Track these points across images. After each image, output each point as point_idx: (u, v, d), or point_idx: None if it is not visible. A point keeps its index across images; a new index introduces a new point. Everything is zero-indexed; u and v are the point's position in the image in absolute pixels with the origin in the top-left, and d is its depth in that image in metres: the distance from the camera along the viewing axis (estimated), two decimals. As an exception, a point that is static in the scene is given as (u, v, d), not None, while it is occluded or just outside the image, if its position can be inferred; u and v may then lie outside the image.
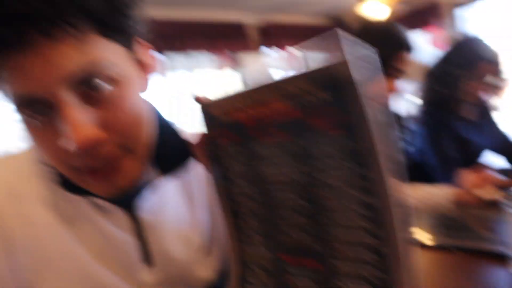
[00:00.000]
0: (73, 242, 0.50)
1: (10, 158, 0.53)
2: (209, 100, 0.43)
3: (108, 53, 0.40)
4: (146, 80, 0.49)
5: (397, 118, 1.39)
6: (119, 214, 0.52)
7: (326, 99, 0.32)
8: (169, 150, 0.54)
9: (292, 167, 0.37)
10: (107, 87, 0.41)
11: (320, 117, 0.33)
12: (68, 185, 0.47)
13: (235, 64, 4.72)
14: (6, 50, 0.36)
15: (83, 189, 0.46)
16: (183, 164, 0.55)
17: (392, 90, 1.10)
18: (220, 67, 4.62)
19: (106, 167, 0.43)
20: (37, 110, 0.39)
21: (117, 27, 0.41)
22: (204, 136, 0.45)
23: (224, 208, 0.46)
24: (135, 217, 0.53)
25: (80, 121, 0.38)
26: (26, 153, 0.53)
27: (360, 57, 0.31)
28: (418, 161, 1.42)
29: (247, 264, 0.46)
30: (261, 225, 0.43)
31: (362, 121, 0.31)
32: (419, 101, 1.48)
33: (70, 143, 0.38)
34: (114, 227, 0.52)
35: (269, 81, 0.36)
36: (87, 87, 0.39)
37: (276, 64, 5.31)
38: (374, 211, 0.33)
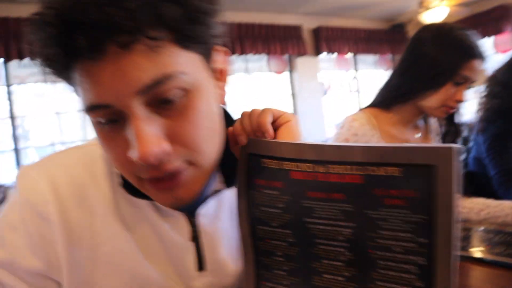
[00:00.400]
0: (130, 243, 0.52)
1: (86, 151, 0.55)
2: (255, 140, 0.48)
3: (183, 64, 0.40)
4: (222, 89, 0.50)
5: (460, 127, 1.24)
6: (179, 218, 0.54)
7: (396, 175, 0.38)
8: (233, 158, 0.52)
9: (341, 222, 0.42)
10: (179, 98, 0.40)
11: (384, 187, 0.38)
12: (132, 188, 0.48)
13: (291, 68, 4.95)
14: (82, 58, 0.36)
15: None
16: None
17: (459, 99, 1.06)
18: (277, 70, 5.04)
19: (169, 179, 0.43)
20: (107, 117, 0.40)
21: (195, 36, 0.40)
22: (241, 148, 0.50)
23: (246, 243, 0.49)
24: (193, 223, 0.55)
25: (148, 135, 0.39)
26: (99, 148, 0.54)
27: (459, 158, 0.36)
28: (471, 170, 1.44)
29: None
30: (290, 265, 0.46)
31: (443, 206, 0.36)
32: (479, 108, 1.44)
33: (135, 155, 0.39)
34: (172, 231, 0.54)
35: (338, 144, 0.44)
36: (159, 99, 0.39)
37: (329, 66, 5.28)
38: (427, 273, 0.37)
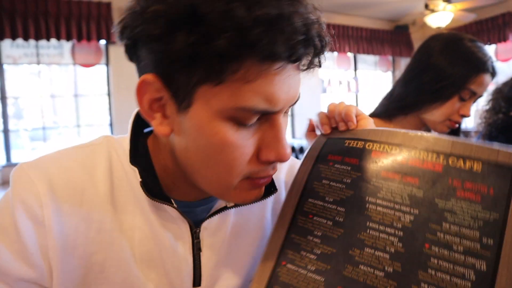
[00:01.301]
0: (125, 252, 0.51)
1: (87, 151, 0.54)
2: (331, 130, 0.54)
3: None
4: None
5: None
6: (182, 229, 0.53)
7: (475, 169, 0.38)
8: None
9: (405, 207, 0.40)
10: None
11: (460, 179, 0.38)
12: (150, 191, 0.49)
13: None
14: (280, 64, 0.40)
15: (163, 195, 0.50)
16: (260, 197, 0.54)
17: (465, 114, 1.01)
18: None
19: (267, 178, 0.49)
20: (255, 119, 0.43)
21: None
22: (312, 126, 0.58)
23: (283, 218, 0.48)
24: (197, 235, 0.54)
25: (285, 139, 0.46)
26: (101, 148, 0.54)
27: None
28: None
29: (272, 284, 0.44)
30: (325, 248, 0.43)
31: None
32: (480, 122, 1.38)
33: (275, 154, 0.45)
34: (174, 240, 0.53)
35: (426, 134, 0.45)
36: (286, 110, 0.46)
37: (329, 64, 5.27)
38: (485, 282, 0.34)
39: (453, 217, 0.38)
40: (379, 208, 0.42)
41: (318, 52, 0.44)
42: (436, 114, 1.04)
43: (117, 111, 3.96)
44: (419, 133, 0.46)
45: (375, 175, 0.44)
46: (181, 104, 0.44)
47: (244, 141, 0.44)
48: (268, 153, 0.45)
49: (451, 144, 0.42)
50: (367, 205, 0.43)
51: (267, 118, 0.45)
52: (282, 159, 0.45)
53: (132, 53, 0.48)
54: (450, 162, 0.41)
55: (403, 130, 0.47)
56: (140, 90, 0.46)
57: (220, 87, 0.41)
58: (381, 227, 0.41)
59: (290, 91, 0.44)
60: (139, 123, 0.57)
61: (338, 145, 0.51)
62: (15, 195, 0.48)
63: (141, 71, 0.47)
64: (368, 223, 0.42)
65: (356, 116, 0.56)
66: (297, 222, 0.47)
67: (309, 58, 0.43)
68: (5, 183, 3.41)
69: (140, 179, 0.50)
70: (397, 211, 0.41)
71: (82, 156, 0.53)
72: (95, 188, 0.51)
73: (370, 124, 0.55)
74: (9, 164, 3.59)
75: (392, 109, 1.11)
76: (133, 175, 0.52)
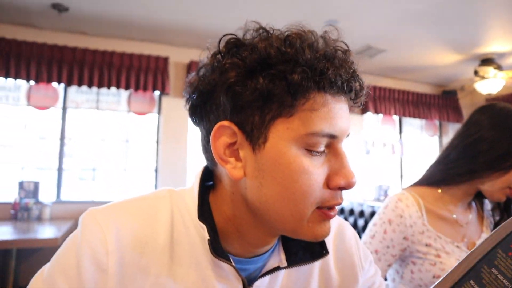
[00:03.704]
0: None
1: (151, 204, 0.56)
2: None
3: None
4: None
5: None
6: (238, 285, 0.55)
7: None
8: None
9: None
10: None
11: None
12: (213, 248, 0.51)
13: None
14: (338, 95, 0.50)
15: (223, 253, 0.52)
16: (311, 259, 0.58)
17: None
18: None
19: (334, 210, 0.52)
20: (322, 147, 0.50)
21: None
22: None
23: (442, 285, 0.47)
24: None
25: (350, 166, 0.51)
26: (164, 201, 0.57)
27: None
28: None
29: None
30: None
31: None
32: None
33: (345, 180, 0.50)
34: None
35: None
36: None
37: (373, 126, 5.43)
38: None
39: None
40: None
41: (360, 89, 0.53)
42: (493, 183, 1.01)
43: (163, 158, 4.12)
44: None
45: None
46: (257, 142, 0.49)
47: (316, 169, 0.49)
48: (337, 180, 0.50)
49: None
50: None
51: (331, 148, 0.51)
52: (350, 184, 0.50)
53: (205, 102, 0.53)
54: None
55: None
56: (216, 135, 0.51)
57: (292, 118, 0.49)
58: None
59: (345, 121, 0.51)
60: (203, 179, 0.59)
61: None
62: (83, 237, 0.50)
63: (213, 121, 0.52)
64: None
65: None
66: None
67: (355, 94, 0.52)
68: (54, 218, 3.56)
69: (208, 237, 0.52)
70: None
71: (146, 208, 0.55)
72: (156, 241, 0.53)
73: None
74: (59, 201, 3.77)
75: (447, 176, 1.09)
76: (194, 231, 0.54)
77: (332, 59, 0.49)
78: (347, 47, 0.52)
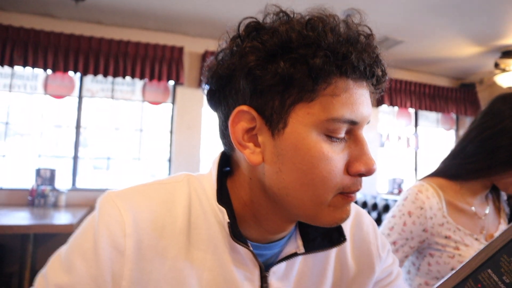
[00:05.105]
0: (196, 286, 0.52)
1: (169, 188, 0.56)
2: None
3: None
4: None
5: None
6: (253, 271, 0.55)
7: None
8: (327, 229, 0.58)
9: None
10: None
11: None
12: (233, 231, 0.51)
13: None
14: (360, 80, 0.49)
15: (241, 237, 0.52)
16: (329, 246, 0.58)
17: None
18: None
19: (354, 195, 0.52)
20: (343, 133, 0.49)
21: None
22: None
23: (457, 275, 0.46)
24: (265, 279, 0.56)
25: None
26: (182, 186, 0.56)
27: None
28: None
29: None
30: None
31: None
32: None
33: (365, 167, 0.49)
34: (244, 281, 0.54)
35: None
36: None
37: (389, 118, 5.37)
38: None
39: None
40: None
41: (382, 75, 0.51)
42: (510, 178, 0.98)
43: (177, 148, 4.14)
44: None
45: None
46: (277, 127, 0.48)
47: (336, 155, 0.49)
48: (357, 166, 0.49)
49: None
50: None
51: (351, 134, 0.50)
52: (371, 171, 0.49)
53: (224, 87, 0.52)
54: None
55: None
56: (235, 120, 0.50)
57: (313, 103, 0.48)
58: None
59: (366, 108, 0.50)
60: (221, 164, 0.59)
61: None
62: (101, 220, 0.50)
63: (232, 106, 0.51)
64: None
65: None
66: (465, 284, 0.46)
67: (377, 80, 0.51)
68: (69, 205, 3.63)
69: (228, 220, 0.51)
70: None
71: (164, 192, 0.55)
72: (174, 224, 0.53)
73: None
74: (74, 189, 3.83)
75: (461, 171, 1.06)
76: (212, 215, 0.54)
77: (355, 43, 0.48)
78: (370, 31, 0.51)
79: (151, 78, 3.92)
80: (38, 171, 3.65)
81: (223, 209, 0.52)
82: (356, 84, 0.49)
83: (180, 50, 4.03)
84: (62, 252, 0.53)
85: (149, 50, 3.91)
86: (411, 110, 5.55)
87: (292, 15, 0.51)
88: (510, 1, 3.19)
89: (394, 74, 5.12)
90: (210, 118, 4.15)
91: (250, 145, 0.51)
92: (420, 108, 5.28)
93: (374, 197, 3.87)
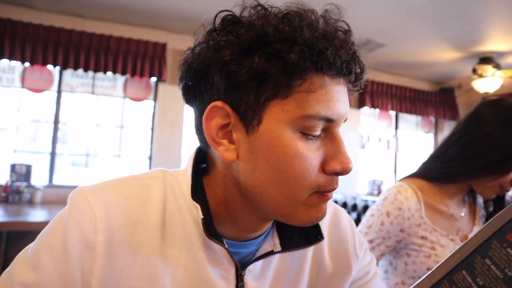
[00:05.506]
0: (169, 285, 0.51)
1: (144, 184, 0.54)
2: None
3: None
4: None
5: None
6: (228, 270, 0.54)
7: None
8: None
9: None
10: None
11: None
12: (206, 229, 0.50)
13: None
14: (336, 77, 0.48)
15: (216, 234, 0.51)
16: (306, 244, 0.57)
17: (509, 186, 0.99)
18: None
19: (331, 195, 0.51)
20: (318, 131, 0.48)
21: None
22: None
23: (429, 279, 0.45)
24: (241, 278, 0.55)
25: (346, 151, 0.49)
26: (157, 182, 0.55)
27: None
28: None
29: None
30: None
31: None
32: None
33: (340, 166, 0.48)
34: (219, 280, 0.53)
35: None
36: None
37: (370, 120, 5.40)
38: None
39: None
40: None
41: (360, 72, 0.50)
42: (488, 183, 1.00)
43: (158, 146, 4.09)
44: None
45: None
46: (251, 124, 0.47)
47: (311, 153, 0.48)
48: (333, 164, 0.48)
49: None
50: None
51: (328, 132, 0.50)
52: (346, 170, 0.49)
53: (199, 81, 0.51)
54: None
55: None
56: (209, 116, 0.49)
57: (287, 100, 0.47)
58: None
59: (343, 105, 0.49)
60: (196, 160, 0.58)
61: None
62: (71, 216, 0.48)
63: (207, 102, 0.50)
64: None
65: None
66: (439, 286, 0.45)
67: (355, 77, 0.50)
68: (45, 202, 3.54)
69: (202, 216, 0.50)
70: None
71: (138, 188, 0.54)
72: (147, 221, 0.51)
73: None
74: (51, 185, 3.74)
75: (443, 175, 1.07)
76: (188, 212, 0.53)
77: (332, 39, 0.47)
78: (348, 27, 0.50)
79: (133, 74, 3.86)
80: (13, 167, 3.54)
81: (197, 205, 0.51)
82: (332, 81, 0.48)
83: (163, 46, 3.98)
84: (29, 249, 0.51)
85: (132, 46, 3.85)
86: (392, 113, 5.64)
87: (269, 9, 0.50)
88: (487, 9, 3.28)
89: (376, 76, 5.19)
90: (192, 116, 4.11)
91: (225, 141, 0.49)
92: (401, 110, 5.37)
93: (354, 198, 3.91)
